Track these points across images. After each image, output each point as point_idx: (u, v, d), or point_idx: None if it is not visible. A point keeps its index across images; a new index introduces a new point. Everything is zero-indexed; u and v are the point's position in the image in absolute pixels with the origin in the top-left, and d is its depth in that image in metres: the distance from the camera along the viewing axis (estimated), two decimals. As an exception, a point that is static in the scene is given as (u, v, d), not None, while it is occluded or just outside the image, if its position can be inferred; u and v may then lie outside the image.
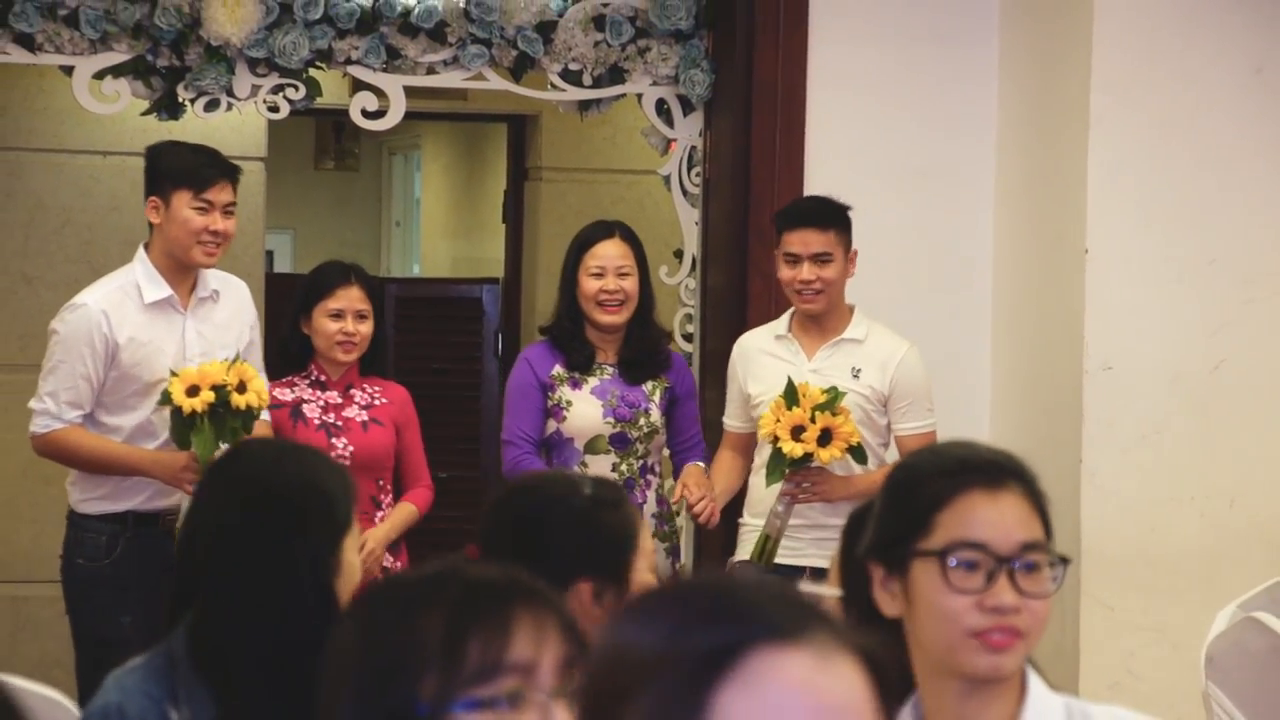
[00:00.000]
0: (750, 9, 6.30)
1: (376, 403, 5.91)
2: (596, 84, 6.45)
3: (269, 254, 11.20)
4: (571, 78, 6.43)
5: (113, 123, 7.94)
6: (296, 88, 6.28)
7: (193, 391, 5.34)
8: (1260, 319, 5.90)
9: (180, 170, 5.55)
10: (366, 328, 5.87)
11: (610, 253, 5.82)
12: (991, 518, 2.47)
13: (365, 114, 6.37)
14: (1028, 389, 6.21)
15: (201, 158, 5.62)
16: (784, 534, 5.64)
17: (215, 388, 5.35)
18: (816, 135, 6.33)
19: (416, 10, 6.29)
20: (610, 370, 5.84)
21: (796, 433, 5.51)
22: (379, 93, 6.37)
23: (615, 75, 6.44)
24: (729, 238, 6.37)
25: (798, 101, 6.31)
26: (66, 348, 5.53)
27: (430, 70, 6.38)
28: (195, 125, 6.48)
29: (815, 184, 6.22)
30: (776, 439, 5.51)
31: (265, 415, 5.65)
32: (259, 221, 8.64)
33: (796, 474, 5.58)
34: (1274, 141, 5.92)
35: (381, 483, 5.91)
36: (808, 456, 5.51)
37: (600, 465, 5.74)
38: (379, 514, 5.90)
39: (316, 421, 5.84)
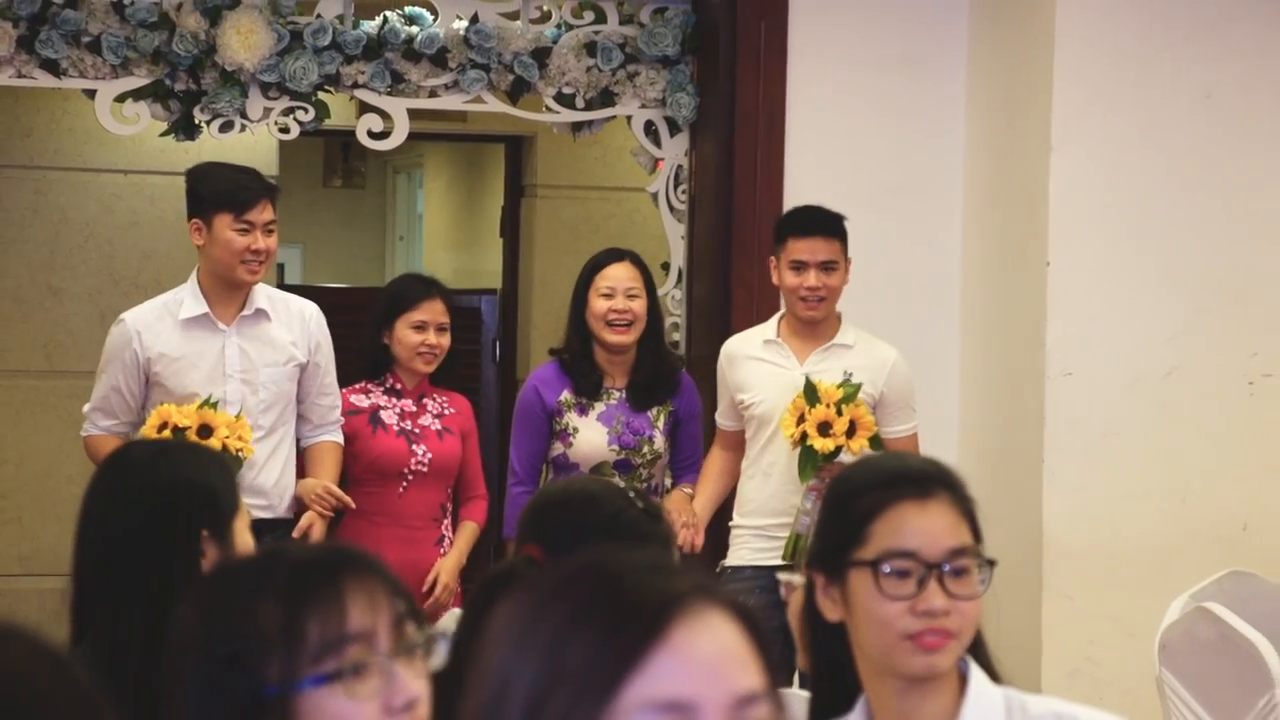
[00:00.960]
0: (733, 37, 6.33)
1: (446, 412, 5.81)
2: (588, 106, 6.47)
3: (280, 267, 11.22)
4: (565, 100, 6.46)
5: (133, 143, 7.97)
6: (306, 110, 6.31)
7: (163, 428, 5.19)
8: (1210, 328, 5.93)
9: (220, 194, 5.42)
10: (446, 340, 5.77)
11: (620, 275, 5.72)
12: (921, 526, 2.49)
13: (371, 135, 6.40)
14: (994, 393, 6.23)
15: (241, 179, 5.49)
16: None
17: (175, 429, 5.18)
18: (795, 155, 6.35)
19: (419, 37, 6.33)
20: (618, 395, 5.72)
21: (823, 429, 5.40)
22: (384, 115, 6.40)
23: (606, 98, 6.47)
24: (713, 251, 6.40)
25: (777, 123, 6.34)
26: (105, 360, 5.48)
27: (432, 93, 6.41)
28: (210, 145, 6.52)
29: (794, 200, 6.24)
30: (805, 437, 5.40)
31: (336, 437, 5.58)
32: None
33: (825, 469, 5.41)
34: (1222, 161, 5.95)
35: (449, 489, 5.81)
36: (837, 450, 5.39)
37: None
38: (444, 521, 5.79)
39: (396, 429, 5.72)
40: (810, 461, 5.43)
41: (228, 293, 5.47)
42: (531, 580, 1.55)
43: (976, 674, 2.52)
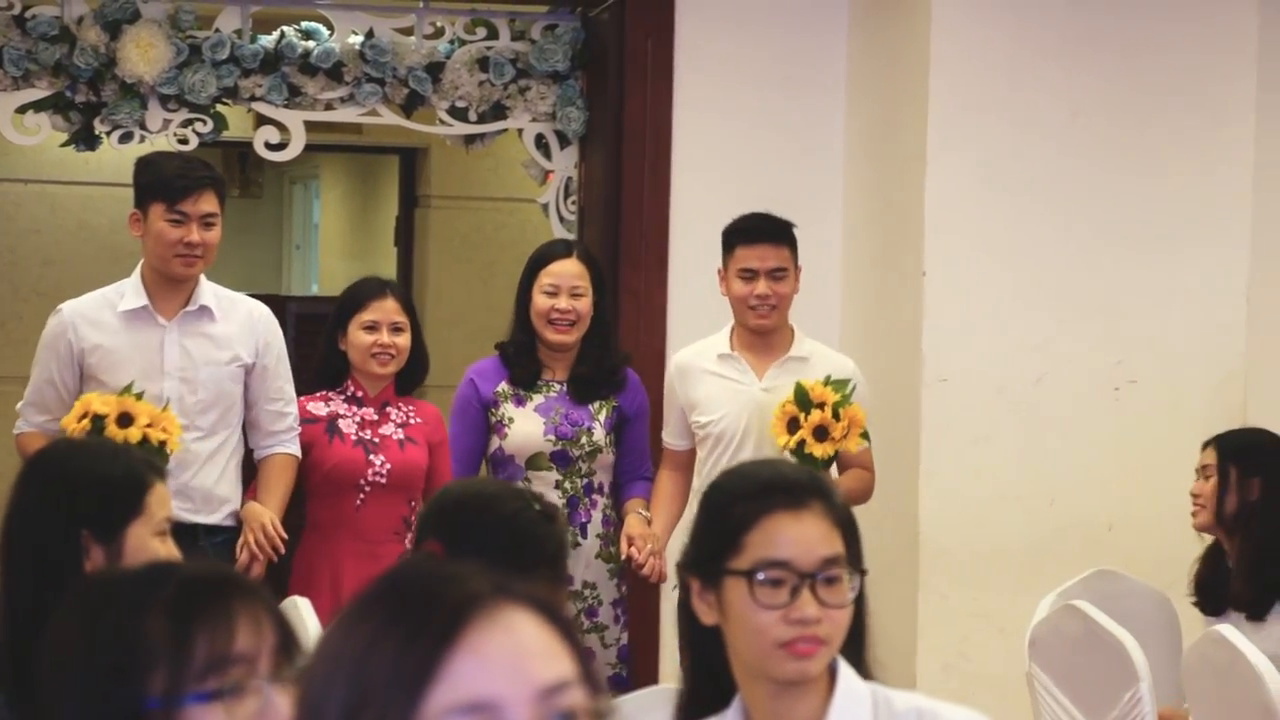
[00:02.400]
0: (621, 53, 6.34)
1: (411, 421, 5.33)
2: (481, 120, 6.47)
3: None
4: (458, 114, 6.45)
5: (34, 153, 7.89)
6: (205, 121, 6.28)
7: (82, 417, 4.85)
8: (1078, 336, 6.00)
9: (155, 182, 5.06)
10: (403, 340, 5.30)
11: (565, 271, 5.34)
12: (794, 536, 2.48)
13: (268, 146, 6.37)
14: (873, 398, 6.28)
15: (180, 168, 5.13)
16: None
17: (94, 416, 4.83)
18: (681, 168, 6.37)
19: (316, 52, 6.31)
20: (558, 388, 5.36)
21: (819, 434, 5.09)
22: (281, 126, 6.37)
23: (498, 112, 6.47)
24: (602, 261, 6.40)
25: (664, 137, 6.36)
26: (40, 352, 5.13)
27: (328, 106, 6.38)
28: (110, 156, 6.47)
29: (680, 213, 6.27)
30: (804, 445, 5.06)
31: (292, 448, 5.18)
32: (169, 244, 8.58)
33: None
34: (1089, 176, 6.02)
35: (414, 503, 5.29)
36: (835, 455, 5.12)
37: (544, 482, 5.28)
38: (409, 535, 5.21)
39: (353, 438, 5.28)
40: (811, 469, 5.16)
41: (169, 287, 5.12)
42: (353, 600, 1.54)
43: (845, 672, 2.53)
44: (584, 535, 5.35)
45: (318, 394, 5.35)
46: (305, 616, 4.21)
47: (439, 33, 6.45)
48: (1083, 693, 4.82)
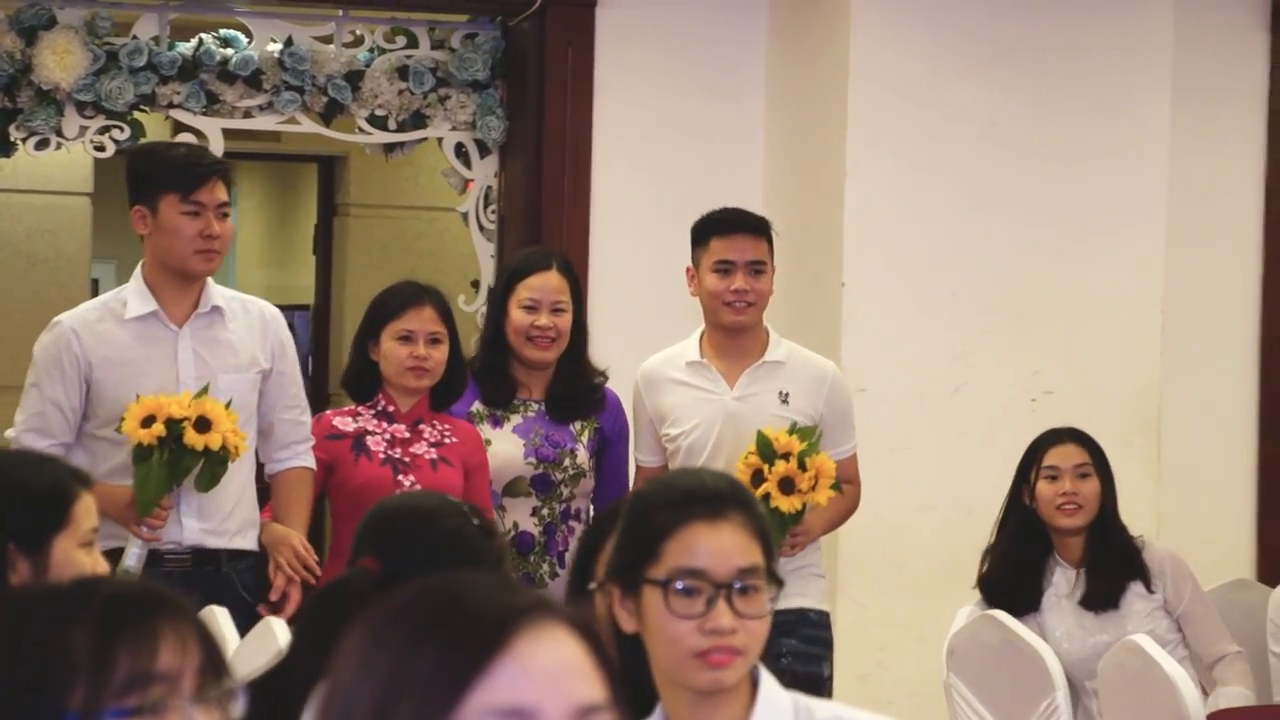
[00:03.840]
0: (541, 63, 6.34)
1: (446, 441, 4.88)
2: (400, 128, 6.45)
3: (95, 282, 11.04)
4: (378, 122, 6.43)
5: (-53, 159, 7.82)
6: (122, 129, 6.23)
7: (148, 422, 4.40)
8: (993, 347, 6.03)
9: (166, 172, 4.63)
10: (440, 352, 4.84)
11: (546, 285, 4.95)
12: (711, 546, 2.48)
13: (186, 154, 6.33)
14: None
15: (190, 155, 4.76)
16: None
17: (169, 421, 4.38)
18: (601, 177, 6.37)
19: (234, 59, 6.27)
20: (536, 407, 4.99)
21: (786, 486, 4.73)
22: (199, 134, 6.33)
23: (418, 120, 6.45)
24: (521, 270, 6.40)
25: (584, 146, 6.36)
26: (39, 371, 4.64)
27: (247, 114, 6.35)
28: (26, 163, 6.41)
29: (600, 220, 6.27)
30: (768, 499, 4.67)
31: (307, 461, 4.77)
32: (86, 251, 8.54)
33: (794, 531, 4.80)
34: (1005, 187, 6.06)
35: None
36: (804, 508, 4.77)
37: (520, 509, 4.92)
38: None
39: (381, 455, 4.83)
40: (777, 526, 4.69)
41: (179, 288, 4.68)
42: (372, 608, 1.55)
43: (766, 680, 2.53)
44: (561, 565, 4.93)
45: (346, 409, 4.94)
46: (225, 629, 4.17)
47: (358, 41, 6.43)
48: (999, 702, 4.85)
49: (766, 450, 4.72)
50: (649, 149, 6.39)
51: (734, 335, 4.96)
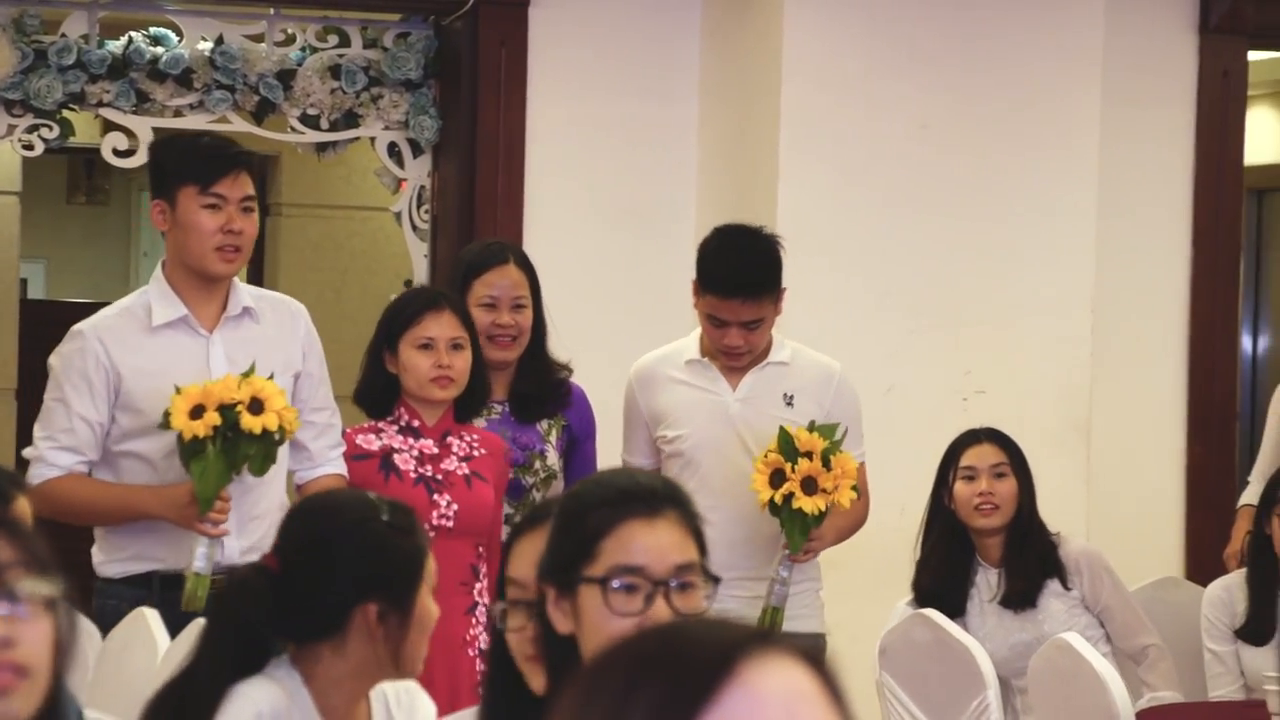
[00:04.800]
0: (474, 62, 6.34)
1: (476, 454, 4.58)
2: (333, 127, 6.43)
3: (23, 282, 10.98)
4: (310, 121, 6.41)
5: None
6: (51, 128, 6.19)
7: (197, 413, 4.10)
8: (924, 347, 6.07)
9: (184, 163, 4.35)
10: (463, 359, 4.53)
11: (505, 282, 4.74)
12: (649, 544, 2.49)
13: (116, 153, 6.29)
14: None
15: (209, 145, 4.47)
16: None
17: (222, 408, 4.10)
18: (535, 177, 6.37)
19: (164, 58, 6.25)
20: (499, 409, 4.76)
21: (808, 486, 4.55)
22: (129, 133, 6.30)
23: (350, 120, 6.44)
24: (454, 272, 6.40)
25: (517, 146, 6.36)
26: (63, 384, 4.32)
27: (177, 113, 6.32)
28: (-46, 161, 6.37)
29: (534, 220, 6.27)
30: (791, 499, 4.51)
31: (339, 467, 4.49)
32: (13, 251, 8.48)
33: (814, 533, 4.63)
34: (938, 188, 6.09)
35: (481, 549, 4.54)
36: (827, 509, 4.58)
37: None
38: (477, 585, 4.52)
39: (413, 475, 4.52)
40: (799, 527, 4.56)
41: (204, 290, 4.39)
42: (586, 664, 1.48)
43: None
44: None
45: (366, 425, 4.61)
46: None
47: (290, 40, 6.42)
48: (931, 701, 4.87)
49: (788, 448, 4.53)
50: (583, 149, 6.40)
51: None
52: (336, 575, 2.95)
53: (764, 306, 4.71)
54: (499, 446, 4.63)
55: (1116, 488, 6.16)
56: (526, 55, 6.35)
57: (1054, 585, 5.18)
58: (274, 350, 4.42)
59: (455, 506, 4.50)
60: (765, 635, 1.44)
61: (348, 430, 4.61)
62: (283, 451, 4.35)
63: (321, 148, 6.50)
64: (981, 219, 6.11)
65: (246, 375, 4.16)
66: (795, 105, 5.96)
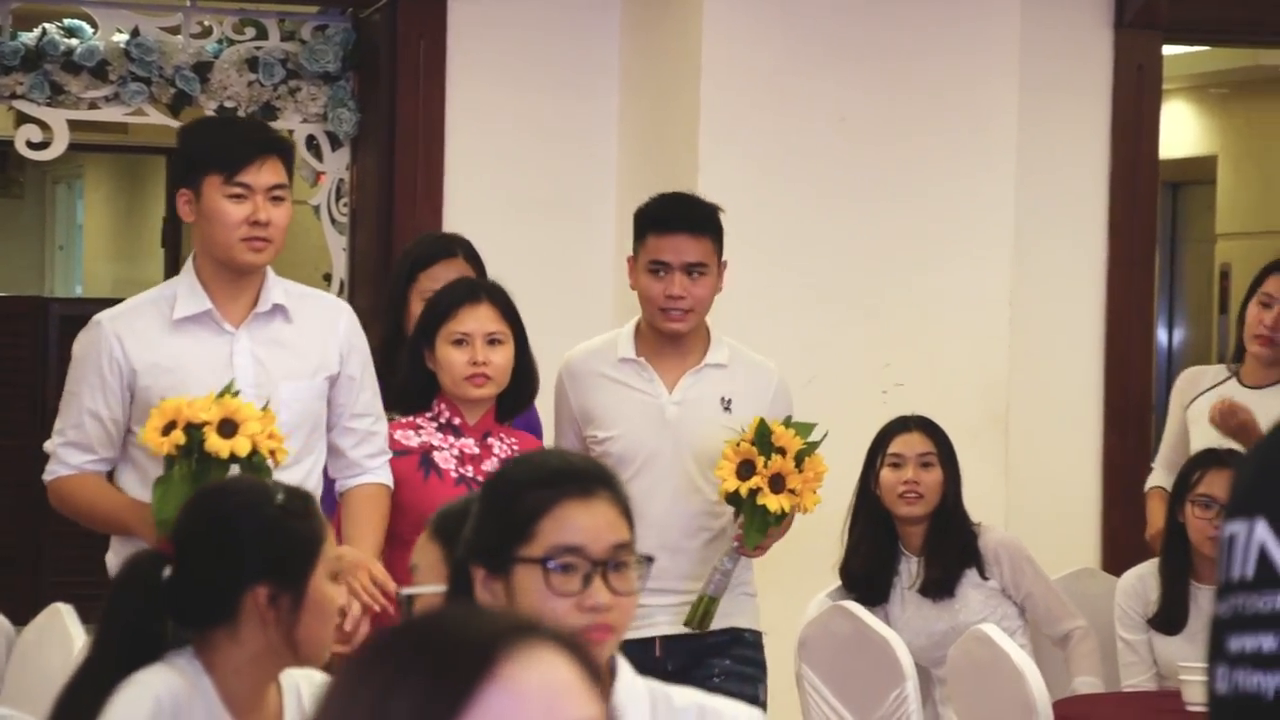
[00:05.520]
0: (393, 55, 6.33)
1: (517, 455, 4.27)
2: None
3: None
4: (227, 114, 6.39)
5: None
6: (-36, 120, 6.16)
7: (169, 429, 3.84)
8: (844, 340, 6.10)
9: (208, 150, 4.12)
10: (501, 355, 4.33)
11: (453, 276, 4.56)
12: (585, 524, 2.51)
13: (30, 145, 6.25)
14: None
15: (234, 132, 4.30)
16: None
17: (189, 427, 3.81)
18: (454, 170, 6.37)
19: (79, 50, 6.21)
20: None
21: (776, 484, 4.41)
22: (43, 125, 6.26)
23: (268, 112, 6.41)
24: (373, 263, 6.38)
25: (436, 139, 6.35)
26: (76, 378, 4.12)
27: (92, 105, 6.28)
28: None
29: (454, 214, 6.26)
30: (756, 494, 4.38)
31: (382, 476, 4.23)
32: (-73, 244, 8.41)
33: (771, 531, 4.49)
34: (856, 180, 6.12)
35: None
36: (786, 511, 4.44)
37: None
38: None
39: (454, 474, 4.33)
40: (759, 524, 4.43)
41: (233, 284, 4.14)
42: (355, 652, 1.51)
43: (623, 667, 2.57)
44: None
45: (405, 420, 4.39)
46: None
47: (206, 32, 6.39)
48: (850, 693, 4.90)
49: (765, 441, 4.38)
50: (502, 142, 6.40)
51: (672, 336, 4.60)
52: (225, 559, 2.96)
53: (706, 248, 4.56)
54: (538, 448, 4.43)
55: (1034, 479, 6.21)
56: (445, 48, 6.34)
57: (972, 575, 5.23)
58: (305, 351, 4.17)
59: None
60: (526, 626, 1.45)
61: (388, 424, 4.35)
62: (314, 462, 4.13)
63: (239, 140, 6.47)
64: (900, 212, 6.14)
65: (223, 394, 3.88)
66: (714, 99, 5.97)
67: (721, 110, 5.98)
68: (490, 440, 4.37)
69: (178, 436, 3.81)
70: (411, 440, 4.35)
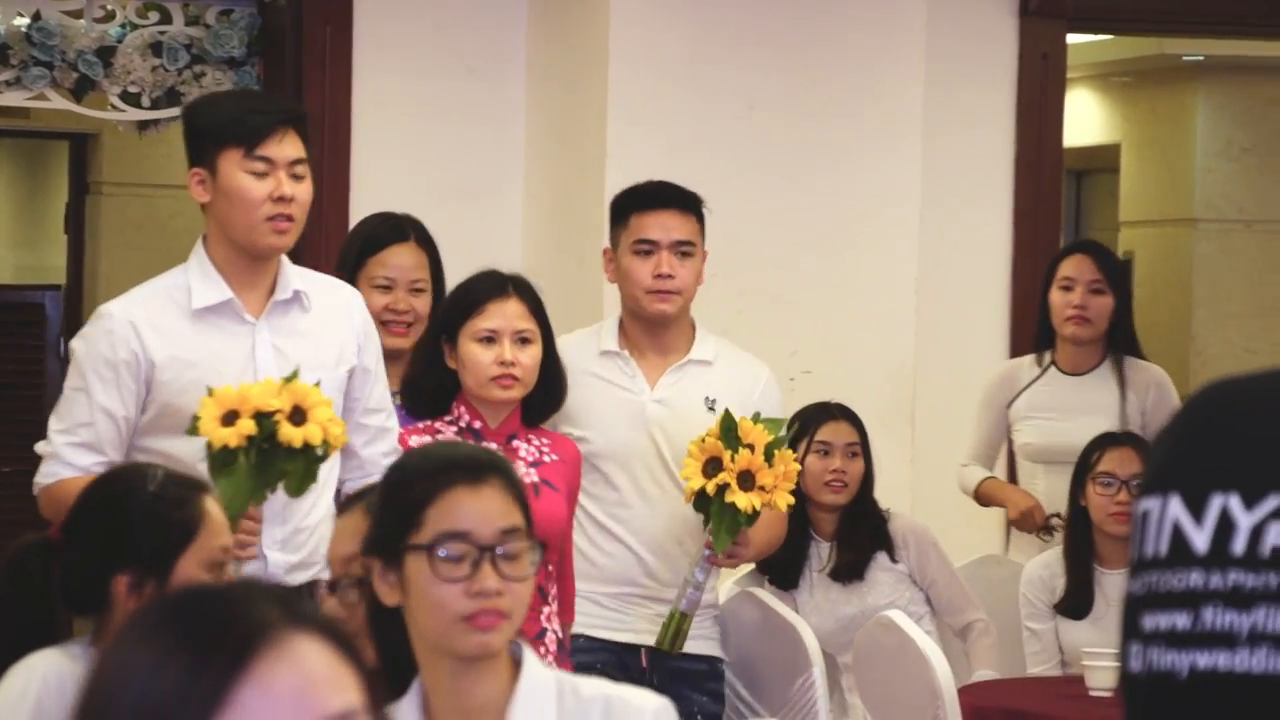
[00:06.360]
0: (299, 40, 6.28)
1: (546, 459, 4.13)
2: (155, 105, 6.35)
3: None
4: (130, 99, 6.32)
5: None
6: None
7: (229, 419, 3.52)
8: (752, 327, 6.09)
9: (223, 124, 3.81)
10: (529, 355, 4.06)
11: (403, 262, 4.34)
12: (473, 509, 2.52)
13: (-71, 130, 6.18)
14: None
15: (251, 102, 4.03)
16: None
17: (259, 415, 3.50)
18: (361, 157, 6.33)
19: (-20, 33, 6.14)
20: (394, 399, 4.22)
21: (745, 481, 4.18)
22: (-57, 110, 6.19)
23: (172, 98, 6.35)
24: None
25: (342, 125, 6.31)
26: (86, 372, 3.81)
27: (-7, 89, 6.22)
28: None
29: (360, 202, 6.22)
30: (724, 491, 4.16)
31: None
32: None
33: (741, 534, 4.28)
34: (763, 169, 6.13)
35: (551, 568, 4.08)
36: (759, 510, 4.22)
37: None
38: (547, 609, 4.10)
39: None
40: (728, 525, 4.21)
41: (250, 270, 3.84)
42: (144, 606, 1.54)
43: (529, 658, 2.56)
44: None
45: (419, 425, 4.13)
46: None
47: (110, 16, 6.32)
48: (758, 679, 4.90)
49: (731, 435, 4.16)
50: (409, 128, 6.37)
51: (656, 328, 4.46)
52: (92, 546, 2.95)
53: (694, 229, 4.44)
54: (572, 452, 4.18)
55: (940, 467, 6.22)
56: (351, 33, 6.30)
57: (882, 559, 5.25)
58: (325, 342, 3.89)
59: None
60: (288, 613, 1.47)
61: (400, 431, 4.09)
62: (334, 460, 3.80)
63: (143, 126, 6.42)
64: (807, 200, 6.15)
65: (290, 379, 3.57)
66: (622, 86, 5.96)
67: (630, 96, 5.97)
68: (515, 443, 4.10)
69: (248, 426, 3.48)
70: None
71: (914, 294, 6.20)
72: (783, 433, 4.30)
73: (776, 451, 4.21)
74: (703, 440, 4.22)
